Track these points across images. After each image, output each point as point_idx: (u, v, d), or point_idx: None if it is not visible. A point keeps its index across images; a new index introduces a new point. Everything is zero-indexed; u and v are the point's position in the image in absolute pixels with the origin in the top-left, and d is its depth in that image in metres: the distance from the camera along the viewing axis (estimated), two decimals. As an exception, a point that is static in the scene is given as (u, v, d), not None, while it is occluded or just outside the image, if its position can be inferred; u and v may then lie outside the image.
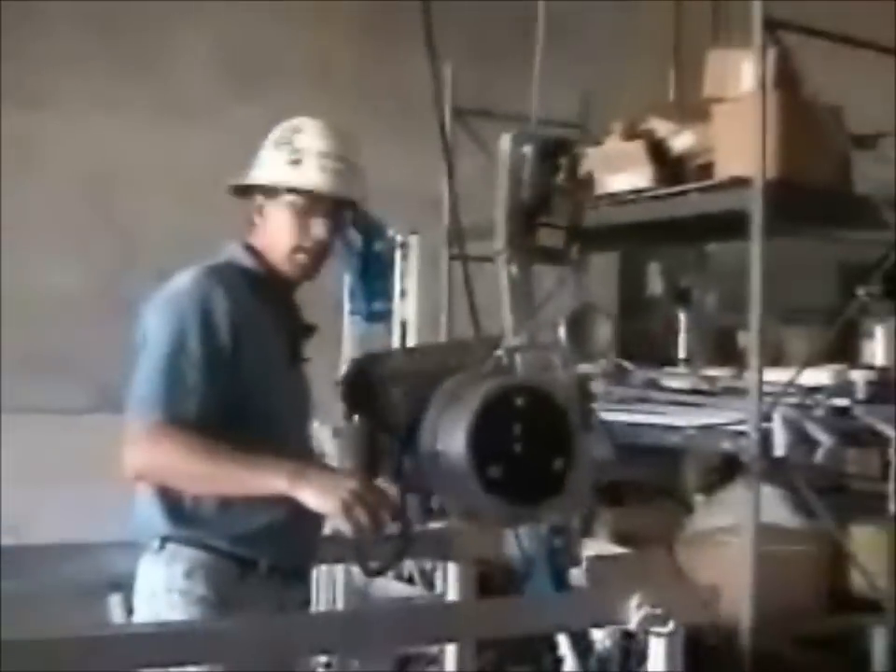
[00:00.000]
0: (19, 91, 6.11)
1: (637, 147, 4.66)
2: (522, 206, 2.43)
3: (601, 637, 3.26)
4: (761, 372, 3.81)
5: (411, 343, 4.77)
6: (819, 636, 4.25)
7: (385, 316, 4.79)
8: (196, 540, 2.43)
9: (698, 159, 4.49)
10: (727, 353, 5.27)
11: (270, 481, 2.31)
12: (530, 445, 2.26)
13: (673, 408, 4.38)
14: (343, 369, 2.71)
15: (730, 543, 3.95)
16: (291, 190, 2.54)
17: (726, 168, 4.19)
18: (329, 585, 4.62)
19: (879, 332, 4.98)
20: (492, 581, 3.34)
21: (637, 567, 4.08)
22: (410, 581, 4.57)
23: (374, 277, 4.65)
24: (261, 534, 2.43)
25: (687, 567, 4.13)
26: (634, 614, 2.31)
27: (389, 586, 4.38)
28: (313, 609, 4.01)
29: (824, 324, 4.41)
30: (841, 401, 4.05)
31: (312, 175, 2.53)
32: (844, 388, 4.10)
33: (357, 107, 6.04)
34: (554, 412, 2.30)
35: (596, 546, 4.19)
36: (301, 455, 2.55)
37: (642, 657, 2.43)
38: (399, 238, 4.92)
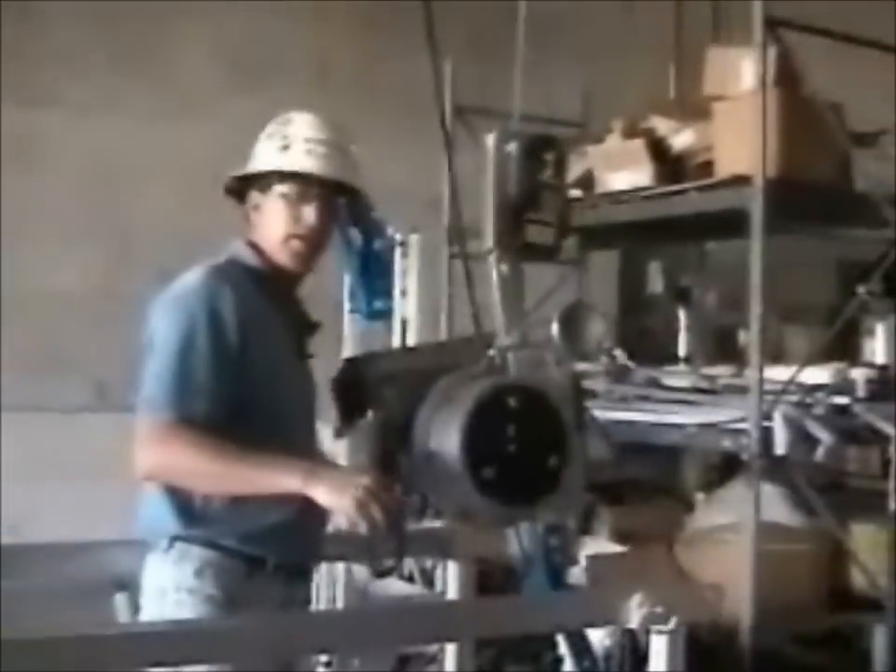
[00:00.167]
0: (19, 90, 6.10)
1: (638, 146, 4.66)
2: (509, 204, 2.43)
3: (601, 637, 3.25)
4: (761, 371, 3.81)
5: (411, 341, 4.77)
6: (819, 634, 4.25)
7: (385, 315, 4.78)
8: (205, 539, 2.43)
9: (698, 157, 4.49)
10: (727, 351, 5.26)
11: (283, 479, 2.31)
12: (524, 445, 2.26)
13: (673, 406, 4.37)
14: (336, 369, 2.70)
15: (730, 541, 3.94)
16: (281, 178, 2.53)
17: (726, 166, 4.19)
18: (330, 584, 4.62)
19: (880, 330, 4.97)
20: (492, 579, 3.34)
21: (638, 566, 4.07)
22: (410, 579, 4.57)
23: (374, 276, 4.64)
24: (270, 532, 2.43)
25: (687, 566, 4.12)
26: (635, 613, 2.31)
27: (390, 585, 4.37)
28: (313, 607, 4.01)
29: (824, 322, 4.40)
30: (841, 399, 4.04)
31: (299, 159, 2.52)
32: (844, 386, 4.09)
33: (357, 104, 6.04)
34: (547, 411, 2.30)
35: (596, 544, 4.19)
36: (309, 451, 2.56)
37: (643, 656, 2.43)
38: (398, 237, 4.91)
